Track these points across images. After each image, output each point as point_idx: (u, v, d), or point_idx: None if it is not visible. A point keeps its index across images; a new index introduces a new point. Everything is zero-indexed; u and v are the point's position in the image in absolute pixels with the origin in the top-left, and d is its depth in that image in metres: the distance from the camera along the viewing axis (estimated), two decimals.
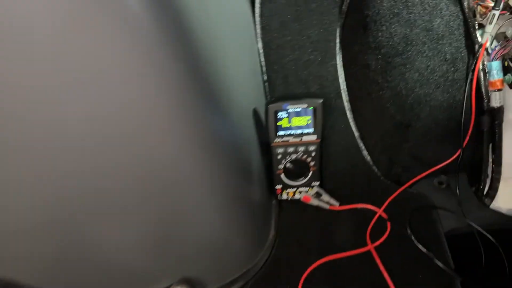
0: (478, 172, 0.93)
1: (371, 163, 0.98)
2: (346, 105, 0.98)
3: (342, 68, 0.96)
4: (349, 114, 0.98)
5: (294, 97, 0.86)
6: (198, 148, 0.57)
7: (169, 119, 0.51)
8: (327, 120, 0.98)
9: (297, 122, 0.86)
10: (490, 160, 0.90)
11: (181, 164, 0.57)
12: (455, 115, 0.91)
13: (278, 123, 0.85)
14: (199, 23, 0.53)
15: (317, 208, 0.92)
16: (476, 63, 0.84)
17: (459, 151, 0.92)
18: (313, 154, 0.88)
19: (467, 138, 0.90)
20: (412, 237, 0.84)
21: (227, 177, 0.66)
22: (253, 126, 0.84)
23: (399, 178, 0.98)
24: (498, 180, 0.89)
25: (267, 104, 0.84)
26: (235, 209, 0.72)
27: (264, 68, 0.97)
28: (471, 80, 0.85)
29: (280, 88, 0.98)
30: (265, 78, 0.98)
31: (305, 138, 0.87)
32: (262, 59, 0.97)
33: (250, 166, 0.80)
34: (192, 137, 0.55)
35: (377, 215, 0.89)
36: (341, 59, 0.95)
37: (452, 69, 0.88)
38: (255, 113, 0.85)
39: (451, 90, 0.89)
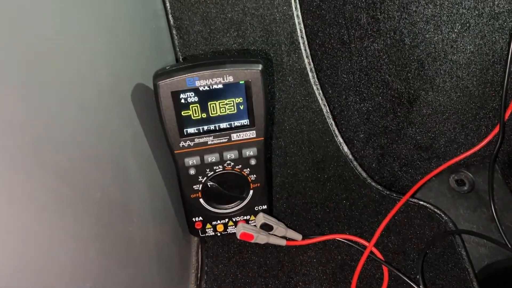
0: None
1: (351, 158, 0.60)
2: (307, 62, 0.58)
3: None
4: (312, 79, 0.59)
5: (213, 60, 0.45)
6: None
7: None
8: (275, 92, 0.59)
9: (219, 110, 0.46)
10: None
11: None
12: (491, 76, 0.53)
13: (183, 113, 0.45)
14: None
15: (267, 245, 0.54)
16: None
17: (495, 131, 0.55)
18: (253, 162, 0.49)
19: (509, 110, 0.53)
20: None
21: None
22: (133, 117, 0.43)
23: (396, 181, 0.61)
24: None
25: (155, 78, 0.43)
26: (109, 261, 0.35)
27: (167, 4, 0.55)
28: None
29: (198, 38, 0.57)
30: (172, 21, 0.57)
31: (236, 136, 0.47)
32: None
33: (125, 187, 0.41)
34: None
35: (365, 253, 0.53)
36: None
37: None
38: (141, 92, 0.44)
39: (489, 32, 0.50)
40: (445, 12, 0.50)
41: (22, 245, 0.25)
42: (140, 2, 0.51)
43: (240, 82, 0.44)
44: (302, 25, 0.57)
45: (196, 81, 0.43)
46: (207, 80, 0.43)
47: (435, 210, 0.57)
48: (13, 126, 0.25)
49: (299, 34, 0.58)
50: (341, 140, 0.61)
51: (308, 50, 0.59)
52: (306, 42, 0.58)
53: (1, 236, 0.23)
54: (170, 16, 0.57)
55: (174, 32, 0.58)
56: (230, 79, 0.44)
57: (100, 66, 0.38)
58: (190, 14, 0.57)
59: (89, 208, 0.34)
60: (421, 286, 0.49)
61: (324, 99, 0.60)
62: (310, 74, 0.59)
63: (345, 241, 0.55)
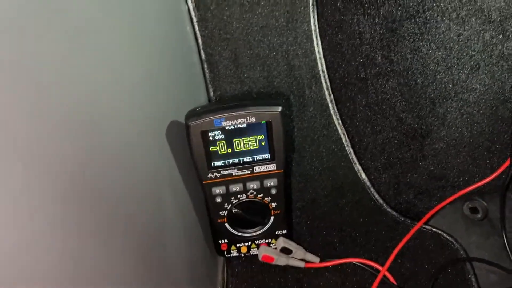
0: None
1: (369, 185, 0.64)
2: (328, 94, 0.62)
3: (319, 36, 0.60)
4: (332, 110, 0.63)
5: (238, 103, 0.51)
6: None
7: None
8: (297, 122, 0.63)
9: (242, 145, 0.51)
10: None
11: None
12: (501, 112, 0.56)
13: (211, 149, 0.50)
14: None
15: (287, 267, 0.59)
16: None
17: (506, 163, 0.58)
18: (274, 191, 0.54)
19: None
20: None
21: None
22: (168, 151, 0.49)
23: (411, 208, 0.64)
24: None
25: (186, 119, 0.48)
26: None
27: (200, 41, 0.60)
28: None
29: (227, 72, 0.62)
30: (203, 56, 0.62)
31: (258, 169, 0.52)
32: (196, 27, 0.60)
33: (162, 215, 0.47)
34: None
35: (379, 277, 0.56)
36: (316, 21, 0.58)
37: (501, 36, 0.52)
38: (174, 128, 0.50)
39: (498, 72, 0.54)
40: (455, 54, 0.53)
41: (76, 269, 0.30)
42: (175, 40, 0.57)
43: (262, 122, 0.49)
44: (323, 60, 0.62)
45: (223, 122, 0.49)
46: (232, 121, 0.49)
47: (448, 237, 0.60)
48: (67, 163, 0.30)
49: (320, 68, 0.62)
50: (359, 168, 0.65)
51: (328, 83, 0.63)
52: (326, 76, 0.62)
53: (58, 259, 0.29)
54: (202, 52, 0.62)
55: (205, 66, 0.63)
56: (252, 119, 0.49)
57: (140, 105, 0.43)
58: (220, 50, 0.62)
59: (131, 239, 0.39)
60: None
61: (343, 128, 0.64)
62: (330, 105, 0.63)
63: (360, 264, 0.59)
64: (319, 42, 0.61)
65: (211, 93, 0.64)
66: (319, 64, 0.62)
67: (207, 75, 0.64)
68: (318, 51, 0.62)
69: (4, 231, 0.24)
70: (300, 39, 0.61)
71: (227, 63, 0.63)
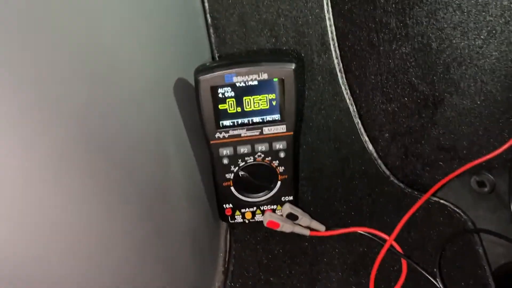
0: None
1: (376, 156, 0.63)
2: (337, 63, 0.61)
3: (329, 2, 0.59)
4: (341, 79, 0.62)
5: (249, 58, 0.49)
6: None
7: None
8: (305, 91, 0.62)
9: (253, 105, 0.49)
10: None
11: None
12: None
13: (220, 107, 0.49)
14: None
15: (292, 234, 0.57)
16: None
17: None
18: (282, 155, 0.53)
19: None
20: (440, 285, 0.52)
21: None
22: (175, 108, 0.48)
23: (418, 180, 0.63)
24: None
25: (196, 74, 0.47)
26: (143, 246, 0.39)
27: (206, 4, 0.59)
28: None
29: (233, 37, 0.61)
30: (209, 20, 0.60)
31: (268, 130, 0.51)
32: None
33: (166, 173, 0.45)
34: None
35: (386, 246, 0.55)
36: None
37: None
38: (181, 86, 0.48)
39: None
40: (472, 19, 0.52)
41: (74, 220, 0.29)
42: (181, 1, 0.55)
43: (274, 79, 0.48)
44: (333, 27, 0.60)
45: (234, 77, 0.47)
46: (244, 76, 0.47)
47: (455, 209, 0.59)
48: (78, 113, 0.29)
49: (330, 35, 0.61)
50: (367, 139, 0.64)
51: (338, 52, 0.61)
52: (336, 44, 0.61)
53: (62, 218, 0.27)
54: (208, 15, 0.60)
55: (211, 30, 0.61)
56: (264, 76, 0.47)
57: (147, 62, 0.42)
58: (227, 14, 0.60)
59: (135, 189, 0.38)
60: (437, 279, 0.52)
61: (351, 98, 0.63)
62: (339, 74, 0.62)
63: (366, 234, 0.58)
64: (330, 9, 0.60)
65: (216, 58, 0.62)
66: (329, 32, 0.60)
67: (213, 39, 0.62)
68: (329, 18, 0.60)
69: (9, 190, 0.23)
70: (310, 4, 0.59)
71: (234, 28, 0.61)
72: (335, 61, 0.62)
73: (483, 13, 0.52)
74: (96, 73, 0.32)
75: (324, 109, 0.64)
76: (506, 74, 0.54)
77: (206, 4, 0.60)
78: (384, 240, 0.57)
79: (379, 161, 0.64)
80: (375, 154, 0.64)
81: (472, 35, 0.52)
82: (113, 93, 0.35)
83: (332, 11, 0.60)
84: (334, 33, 0.61)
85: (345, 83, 0.62)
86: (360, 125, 0.63)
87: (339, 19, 0.60)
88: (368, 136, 0.64)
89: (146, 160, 0.40)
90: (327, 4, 0.59)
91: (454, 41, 0.53)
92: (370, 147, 0.64)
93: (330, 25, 0.60)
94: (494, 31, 0.52)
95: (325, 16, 0.60)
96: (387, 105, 0.60)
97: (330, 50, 0.61)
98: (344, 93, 0.63)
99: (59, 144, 0.26)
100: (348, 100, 0.63)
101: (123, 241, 0.35)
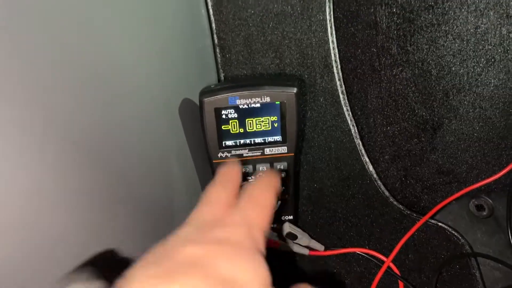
0: None
1: (376, 177, 0.64)
2: (339, 85, 0.62)
3: (333, 26, 0.60)
4: (343, 101, 0.63)
5: (253, 82, 0.51)
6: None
7: None
8: (307, 111, 0.63)
9: (255, 126, 0.51)
10: None
11: None
12: None
13: (223, 127, 0.50)
14: None
15: (292, 253, 0.58)
16: None
17: None
18: (283, 175, 0.54)
19: None
20: None
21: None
22: (180, 128, 0.49)
23: (417, 202, 0.64)
24: None
25: (201, 96, 0.48)
26: None
27: (213, 25, 0.60)
28: None
29: (239, 58, 0.62)
30: (216, 40, 0.62)
31: (269, 151, 0.52)
32: (211, 11, 0.60)
33: (171, 191, 0.46)
34: None
35: (383, 268, 0.56)
36: (332, 10, 0.59)
37: None
38: (187, 105, 0.50)
39: None
40: (471, 47, 0.53)
41: (93, 229, 0.30)
42: (189, 23, 0.57)
43: (276, 102, 0.49)
44: (336, 50, 0.62)
45: (237, 100, 0.48)
46: (247, 99, 0.48)
47: (453, 232, 0.60)
48: (89, 132, 0.30)
49: (333, 58, 0.62)
50: (367, 160, 0.65)
51: (340, 74, 0.63)
52: (339, 66, 0.62)
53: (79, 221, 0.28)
54: (215, 36, 0.62)
55: (218, 50, 0.63)
56: (267, 99, 0.48)
57: (154, 83, 0.43)
58: (233, 35, 0.62)
59: (140, 207, 0.39)
60: None
61: (353, 120, 0.64)
62: (341, 96, 0.63)
63: (364, 255, 0.59)
64: (334, 32, 0.61)
65: (222, 78, 0.63)
66: (332, 54, 0.62)
67: (219, 59, 0.63)
68: (332, 41, 0.62)
69: (18, 199, 0.24)
70: (315, 28, 0.61)
71: (239, 49, 0.62)
72: (338, 83, 0.63)
73: (482, 42, 0.53)
74: (105, 94, 0.33)
75: (326, 130, 0.65)
76: (505, 101, 0.55)
77: (214, 25, 0.61)
78: (382, 262, 0.57)
79: (379, 182, 0.64)
80: (375, 175, 0.65)
81: (471, 63, 0.54)
82: (121, 113, 0.36)
83: (336, 35, 0.61)
84: (337, 56, 0.62)
85: (347, 105, 0.64)
86: (361, 146, 0.64)
87: (342, 42, 0.62)
88: (368, 157, 0.65)
89: (152, 181, 0.42)
90: (330, 27, 0.61)
91: (453, 68, 0.54)
92: (371, 168, 0.65)
93: (333, 48, 0.62)
94: (493, 59, 0.53)
95: (328, 39, 0.61)
96: (388, 127, 0.61)
97: (333, 72, 0.63)
98: (346, 114, 0.64)
99: (66, 163, 0.28)
100: (349, 121, 0.64)
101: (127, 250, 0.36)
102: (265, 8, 0.59)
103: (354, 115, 0.64)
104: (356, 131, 0.64)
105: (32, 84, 0.24)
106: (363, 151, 0.65)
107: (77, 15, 0.29)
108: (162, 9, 0.47)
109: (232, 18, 0.59)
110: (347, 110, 0.64)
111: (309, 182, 0.66)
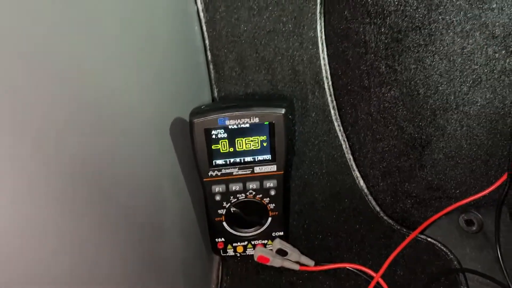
0: None
1: (367, 192, 0.65)
2: (330, 101, 0.63)
3: (324, 43, 0.61)
4: (334, 116, 0.64)
5: (242, 102, 0.52)
6: None
7: None
8: (299, 126, 0.64)
9: (244, 145, 0.52)
10: None
11: None
12: (501, 127, 0.56)
13: (213, 147, 0.51)
14: None
15: (282, 269, 0.59)
16: None
17: (503, 178, 0.59)
18: (273, 192, 0.55)
19: None
20: None
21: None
22: (171, 146, 0.50)
23: (407, 217, 0.65)
24: None
25: (191, 116, 0.49)
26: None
27: (207, 41, 0.61)
28: None
29: (232, 74, 0.63)
30: (209, 57, 0.63)
31: (259, 169, 0.53)
32: (204, 27, 0.61)
33: (162, 208, 0.47)
34: None
35: (372, 283, 0.57)
36: (323, 28, 0.59)
37: (504, 52, 0.53)
38: (178, 124, 0.51)
39: (499, 87, 0.55)
40: (458, 67, 0.54)
41: (76, 255, 0.31)
42: (183, 40, 0.57)
43: (265, 123, 0.50)
44: (327, 67, 0.63)
45: (226, 121, 0.49)
46: (236, 120, 0.49)
47: (442, 247, 0.61)
48: (78, 155, 0.31)
49: (324, 74, 0.63)
50: (358, 175, 0.66)
51: (331, 90, 0.64)
52: (330, 82, 0.63)
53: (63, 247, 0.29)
54: (208, 52, 0.63)
55: (211, 67, 0.64)
56: (256, 120, 0.49)
57: (147, 102, 0.44)
58: (226, 52, 0.63)
59: (131, 229, 0.40)
60: None
61: (344, 135, 0.65)
62: (332, 111, 0.64)
63: (354, 270, 0.59)
64: (325, 49, 0.62)
65: (215, 94, 0.64)
66: (323, 71, 0.63)
67: (212, 75, 0.64)
68: (323, 58, 0.63)
69: (8, 227, 0.25)
70: (306, 45, 0.62)
71: (232, 65, 0.63)
72: (329, 98, 0.64)
73: (469, 62, 0.54)
74: (96, 115, 0.34)
75: (317, 145, 0.66)
76: (492, 119, 0.56)
77: (207, 42, 0.62)
78: (371, 277, 0.58)
79: (370, 197, 0.65)
80: (366, 190, 0.65)
81: (458, 82, 0.55)
82: (112, 134, 0.37)
83: (327, 51, 0.62)
84: (328, 72, 0.63)
85: (338, 120, 0.64)
86: (352, 161, 0.65)
87: (333, 60, 0.63)
88: (359, 172, 0.65)
89: (143, 200, 0.43)
90: (322, 44, 0.62)
91: (440, 88, 0.55)
92: (361, 183, 0.66)
93: (325, 65, 0.63)
94: (479, 79, 0.54)
95: (319, 56, 0.62)
96: (377, 144, 0.62)
97: (324, 88, 0.64)
98: (337, 130, 0.65)
99: (55, 187, 0.29)
100: (340, 137, 0.65)
101: (116, 275, 0.37)
102: (258, 25, 0.60)
103: (345, 130, 0.65)
104: (347, 146, 0.65)
105: (19, 108, 0.25)
106: (354, 166, 0.65)
107: (69, 41, 0.30)
108: (156, 26, 0.48)
109: (225, 35, 0.60)
110: (338, 125, 0.65)
111: (301, 197, 0.67)
